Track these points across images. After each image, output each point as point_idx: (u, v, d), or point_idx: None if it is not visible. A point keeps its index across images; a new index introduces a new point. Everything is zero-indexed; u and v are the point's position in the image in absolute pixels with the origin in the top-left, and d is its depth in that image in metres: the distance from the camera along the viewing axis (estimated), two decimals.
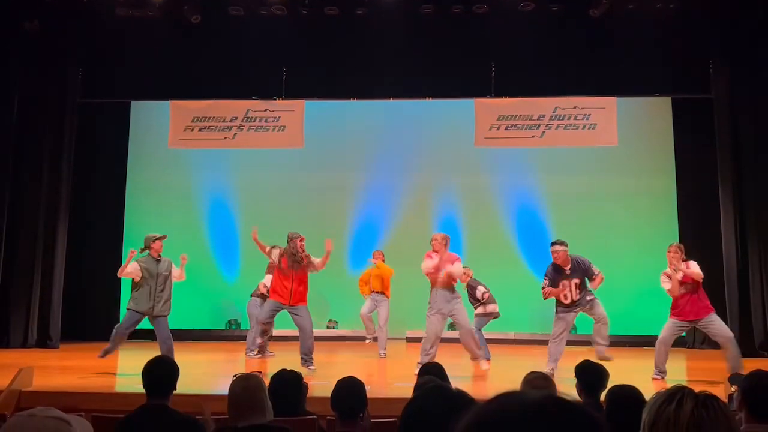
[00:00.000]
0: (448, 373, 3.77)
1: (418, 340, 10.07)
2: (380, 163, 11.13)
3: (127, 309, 7.02)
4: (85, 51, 10.13)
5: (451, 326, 8.45)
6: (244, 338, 8.93)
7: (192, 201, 11.31)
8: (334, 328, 10.94)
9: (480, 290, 8.04)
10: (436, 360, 5.34)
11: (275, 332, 8.75)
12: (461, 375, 6.78)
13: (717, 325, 6.53)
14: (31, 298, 9.47)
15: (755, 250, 9.07)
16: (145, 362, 3.23)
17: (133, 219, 10.93)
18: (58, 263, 9.71)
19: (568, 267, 6.69)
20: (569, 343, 7.19)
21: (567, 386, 4.00)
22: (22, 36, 9.60)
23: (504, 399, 0.83)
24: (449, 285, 6.89)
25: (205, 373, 7.32)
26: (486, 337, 8.05)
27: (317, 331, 7.58)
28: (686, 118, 10.41)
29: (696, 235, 9.84)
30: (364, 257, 10.02)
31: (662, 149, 10.64)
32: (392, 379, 6.84)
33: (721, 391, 4.85)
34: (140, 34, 9.72)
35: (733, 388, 4.16)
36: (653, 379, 6.49)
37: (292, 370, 3.46)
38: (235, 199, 11.38)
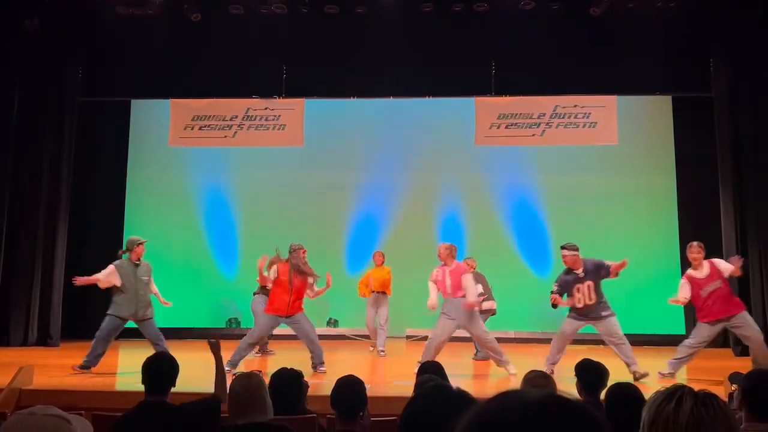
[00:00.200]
0: (448, 372, 3.78)
1: (418, 338, 10.10)
2: (380, 162, 11.11)
3: (107, 314, 6.80)
4: (85, 50, 10.13)
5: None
6: (244, 336, 8.90)
7: (192, 200, 11.30)
8: (334, 326, 10.93)
9: (478, 288, 8.03)
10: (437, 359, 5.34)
11: (276, 331, 8.71)
12: (461, 373, 6.78)
13: (748, 326, 6.40)
14: (32, 297, 9.47)
15: (755, 249, 9.06)
16: (144, 360, 3.23)
17: (133, 218, 10.93)
18: (58, 263, 9.70)
19: (581, 270, 6.68)
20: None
21: (567, 385, 4.00)
22: (22, 35, 9.59)
23: (504, 398, 0.83)
24: (462, 295, 6.87)
25: (204, 372, 7.29)
26: None
27: (317, 330, 7.54)
28: (686, 116, 10.41)
29: (696, 233, 9.76)
30: (364, 255, 10.02)
31: (662, 148, 10.64)
32: (392, 377, 6.84)
33: (722, 391, 4.85)
34: (140, 32, 9.73)
35: (733, 387, 4.16)
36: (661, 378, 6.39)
37: (292, 369, 3.46)
38: (235, 198, 11.38)
